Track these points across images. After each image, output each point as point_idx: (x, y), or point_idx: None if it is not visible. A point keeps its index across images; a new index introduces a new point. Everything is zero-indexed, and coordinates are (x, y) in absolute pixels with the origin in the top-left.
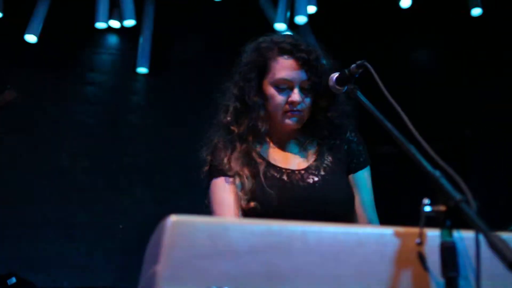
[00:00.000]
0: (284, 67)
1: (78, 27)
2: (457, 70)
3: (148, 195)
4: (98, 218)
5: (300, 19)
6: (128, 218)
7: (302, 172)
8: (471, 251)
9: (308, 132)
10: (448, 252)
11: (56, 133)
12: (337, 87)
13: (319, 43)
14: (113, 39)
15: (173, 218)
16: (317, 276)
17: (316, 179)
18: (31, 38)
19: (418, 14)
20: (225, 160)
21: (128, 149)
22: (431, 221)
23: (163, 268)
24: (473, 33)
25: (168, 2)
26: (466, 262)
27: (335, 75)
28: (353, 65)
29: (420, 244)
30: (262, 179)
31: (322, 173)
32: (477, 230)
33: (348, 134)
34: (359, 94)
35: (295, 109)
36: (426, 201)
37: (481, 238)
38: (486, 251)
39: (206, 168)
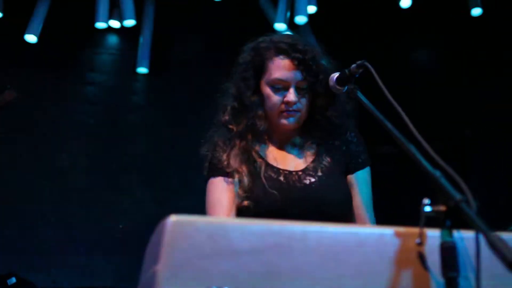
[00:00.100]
0: (280, 67)
1: (78, 27)
2: (457, 70)
3: (148, 195)
4: (98, 218)
5: (300, 19)
6: (128, 218)
7: (300, 173)
8: (471, 251)
9: (307, 132)
10: (448, 252)
11: (56, 133)
12: (338, 87)
13: (319, 43)
14: (113, 39)
15: (173, 218)
16: (317, 276)
17: (313, 180)
18: (31, 38)
19: (418, 14)
20: (224, 157)
21: (128, 149)
22: (431, 221)
23: (163, 268)
24: (473, 33)
25: (168, 2)
26: (466, 262)
27: (335, 75)
28: (353, 65)
29: (420, 244)
30: (263, 179)
31: (319, 174)
32: (477, 230)
33: (347, 135)
34: (359, 94)
35: (290, 109)
36: (426, 201)
37: (481, 238)
38: (486, 251)
39: (206, 165)
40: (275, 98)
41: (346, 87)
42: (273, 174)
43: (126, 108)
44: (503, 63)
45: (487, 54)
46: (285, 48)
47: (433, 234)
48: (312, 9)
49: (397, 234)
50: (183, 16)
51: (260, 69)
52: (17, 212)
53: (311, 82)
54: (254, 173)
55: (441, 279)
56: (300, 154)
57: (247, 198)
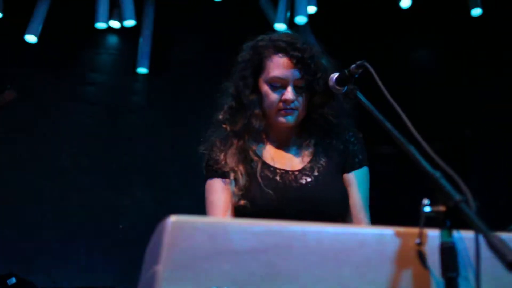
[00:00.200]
0: (278, 66)
1: (78, 27)
2: (457, 70)
3: (148, 195)
4: (98, 218)
5: (300, 19)
6: (128, 218)
7: (296, 173)
8: (471, 251)
9: (304, 131)
10: (448, 252)
11: (56, 133)
12: (337, 87)
13: (319, 43)
14: (113, 39)
15: (173, 219)
16: (317, 277)
17: (309, 179)
18: (31, 38)
19: (418, 14)
20: (221, 157)
21: (128, 149)
22: (431, 221)
23: (163, 268)
24: (473, 33)
25: (168, 2)
26: (466, 262)
27: (334, 75)
28: (353, 65)
29: (420, 244)
30: (259, 179)
31: (316, 173)
32: (477, 230)
33: (345, 134)
34: (359, 94)
35: (288, 107)
36: (426, 201)
37: (481, 238)
38: (485, 251)
39: (203, 166)
40: (273, 96)
41: (345, 87)
42: (269, 174)
43: (126, 108)
44: (503, 63)
45: (487, 54)
46: (284, 46)
47: (433, 234)
48: (312, 9)
49: (397, 234)
50: (183, 16)
51: (258, 67)
52: (17, 212)
53: (309, 81)
54: (250, 173)
55: (441, 279)
56: (297, 154)
57: (243, 197)
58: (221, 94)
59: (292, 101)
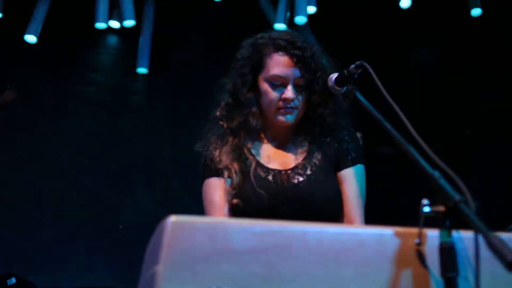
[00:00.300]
0: (278, 64)
1: (78, 27)
2: (457, 70)
3: (148, 195)
4: (98, 218)
5: (300, 19)
6: (128, 218)
7: (289, 172)
8: (471, 251)
9: (301, 130)
10: (447, 252)
11: (56, 133)
12: (336, 87)
13: (319, 43)
14: (113, 39)
15: (173, 219)
16: (317, 277)
17: (301, 179)
18: (31, 38)
19: (418, 14)
20: (216, 154)
21: (128, 149)
22: (431, 221)
23: (163, 268)
24: (473, 33)
25: (168, 2)
26: (466, 262)
27: (334, 76)
28: (352, 66)
29: (420, 244)
30: (252, 178)
31: (308, 172)
32: (476, 230)
33: (340, 133)
34: (358, 94)
35: (288, 106)
36: (425, 201)
37: (480, 238)
38: (485, 251)
39: (201, 165)
40: (273, 94)
41: (345, 88)
42: (262, 173)
43: (126, 108)
44: (503, 63)
45: (487, 54)
46: (284, 44)
47: (433, 234)
48: (311, 9)
49: (397, 234)
50: (183, 16)
51: (258, 65)
52: (17, 212)
53: (309, 80)
54: (244, 171)
55: (440, 279)
56: (291, 152)
57: (236, 196)
58: (218, 90)
59: (292, 100)
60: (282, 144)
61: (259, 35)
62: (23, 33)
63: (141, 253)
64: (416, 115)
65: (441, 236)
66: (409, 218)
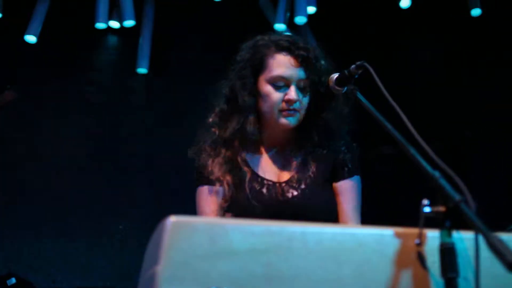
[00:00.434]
0: (282, 64)
1: (78, 27)
2: (457, 70)
3: (148, 195)
4: (98, 218)
5: (300, 20)
6: (128, 218)
7: (283, 185)
8: (471, 252)
9: (298, 137)
10: (448, 252)
11: (56, 133)
12: (337, 87)
13: (319, 43)
14: (113, 40)
15: (172, 219)
16: (317, 277)
17: (295, 193)
18: (31, 39)
19: (418, 14)
20: (209, 163)
21: (128, 149)
22: (431, 221)
23: (163, 268)
24: (473, 33)
25: (168, 3)
26: (466, 262)
27: (334, 76)
28: (353, 66)
29: (420, 244)
30: (247, 190)
31: (303, 186)
32: (477, 230)
33: (338, 143)
34: (358, 94)
35: (291, 108)
36: (425, 201)
37: (481, 238)
38: (485, 252)
39: (194, 172)
40: (276, 95)
41: (345, 88)
42: (256, 185)
43: (126, 108)
44: (503, 63)
45: (487, 54)
46: (287, 45)
47: (433, 235)
48: (311, 9)
49: (397, 235)
50: (183, 16)
51: (259, 66)
52: (17, 212)
53: (312, 81)
54: (238, 183)
55: (440, 280)
56: (287, 162)
57: (229, 208)
58: (214, 95)
59: (296, 101)
60: (278, 153)
61: (258, 37)
62: (23, 33)
63: (141, 253)
64: (416, 115)
65: (441, 236)
66: (409, 218)
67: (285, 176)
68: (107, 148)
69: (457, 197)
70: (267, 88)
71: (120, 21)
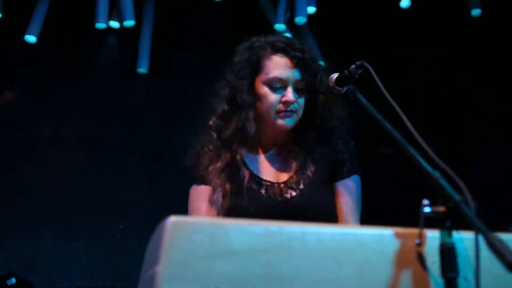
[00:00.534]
0: (278, 66)
1: (78, 27)
2: (457, 70)
3: (148, 195)
4: (98, 218)
5: (300, 20)
6: (128, 218)
7: (282, 185)
8: (471, 252)
9: (296, 137)
10: (448, 253)
11: (56, 133)
12: (337, 87)
13: (319, 43)
14: (113, 40)
15: (172, 219)
16: (316, 277)
17: (294, 193)
18: (31, 38)
19: (418, 14)
20: (210, 168)
21: (128, 149)
22: (431, 222)
23: (162, 268)
24: (473, 33)
25: (168, 3)
26: (466, 262)
27: (334, 76)
28: (353, 66)
29: (420, 244)
30: (245, 191)
31: (301, 186)
32: (477, 231)
33: (336, 142)
34: (358, 95)
35: (288, 109)
36: (425, 202)
37: (481, 239)
38: (485, 252)
39: (190, 171)
40: (273, 97)
41: (345, 88)
42: (254, 186)
43: (126, 108)
44: (503, 63)
45: (487, 54)
46: (283, 46)
47: (433, 235)
48: (311, 9)
49: (397, 235)
50: (183, 16)
51: (256, 68)
52: (17, 212)
53: (308, 82)
54: (237, 184)
55: (440, 280)
56: (285, 163)
57: (228, 212)
58: (213, 96)
59: (293, 103)
60: (276, 153)
61: (254, 39)
62: (23, 33)
63: (141, 253)
64: (416, 116)
65: (441, 236)
66: (409, 218)
67: (284, 176)
68: (107, 148)
69: (457, 197)
70: (264, 90)
71: (120, 21)
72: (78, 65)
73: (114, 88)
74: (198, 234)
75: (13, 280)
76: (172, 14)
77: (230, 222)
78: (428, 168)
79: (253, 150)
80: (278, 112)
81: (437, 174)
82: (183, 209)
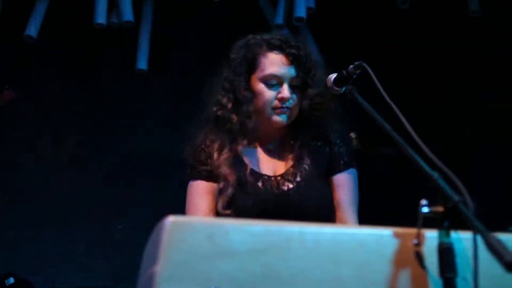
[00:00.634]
0: (274, 63)
1: (77, 27)
2: (457, 70)
3: (148, 195)
4: (98, 218)
5: (299, 20)
6: (128, 218)
7: (279, 178)
8: (469, 252)
9: (293, 132)
10: (446, 253)
11: (56, 133)
12: (335, 88)
13: (318, 43)
14: (112, 39)
15: (171, 219)
16: (315, 277)
17: (291, 186)
18: (30, 38)
19: (418, 14)
20: (212, 160)
21: (128, 149)
22: (430, 222)
23: (161, 268)
24: (473, 33)
25: (167, 2)
26: (464, 262)
27: (333, 76)
28: (351, 66)
29: (418, 245)
30: (242, 186)
31: (298, 179)
32: (475, 231)
33: (332, 136)
34: (357, 95)
35: (284, 105)
36: (424, 202)
37: (479, 239)
38: (484, 252)
39: (187, 167)
40: (269, 94)
41: (344, 88)
42: (252, 180)
43: (126, 108)
44: (503, 63)
45: (487, 54)
46: (279, 44)
47: (431, 235)
48: (311, 9)
49: (396, 235)
50: (183, 16)
51: (251, 65)
52: (16, 212)
53: (304, 79)
54: (237, 177)
55: (439, 280)
56: (282, 156)
57: (229, 206)
58: (208, 89)
59: (288, 99)
60: (273, 147)
61: (249, 36)
62: (22, 32)
63: (141, 253)
64: (416, 115)
65: (439, 236)
66: (408, 218)
67: (281, 170)
68: (106, 148)
69: (455, 197)
70: (260, 87)
71: (119, 20)
72: (78, 65)
73: (114, 88)
74: (197, 234)
75: (12, 280)
76: (172, 14)
77: (229, 222)
78: (427, 168)
79: (251, 145)
80: (274, 108)
81: (436, 175)
82: (183, 209)
